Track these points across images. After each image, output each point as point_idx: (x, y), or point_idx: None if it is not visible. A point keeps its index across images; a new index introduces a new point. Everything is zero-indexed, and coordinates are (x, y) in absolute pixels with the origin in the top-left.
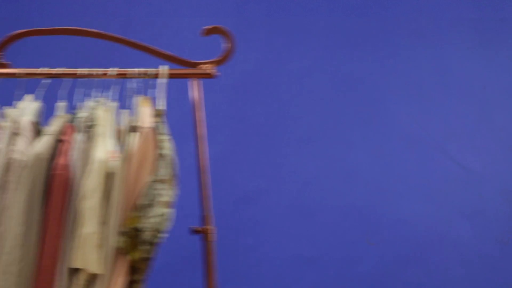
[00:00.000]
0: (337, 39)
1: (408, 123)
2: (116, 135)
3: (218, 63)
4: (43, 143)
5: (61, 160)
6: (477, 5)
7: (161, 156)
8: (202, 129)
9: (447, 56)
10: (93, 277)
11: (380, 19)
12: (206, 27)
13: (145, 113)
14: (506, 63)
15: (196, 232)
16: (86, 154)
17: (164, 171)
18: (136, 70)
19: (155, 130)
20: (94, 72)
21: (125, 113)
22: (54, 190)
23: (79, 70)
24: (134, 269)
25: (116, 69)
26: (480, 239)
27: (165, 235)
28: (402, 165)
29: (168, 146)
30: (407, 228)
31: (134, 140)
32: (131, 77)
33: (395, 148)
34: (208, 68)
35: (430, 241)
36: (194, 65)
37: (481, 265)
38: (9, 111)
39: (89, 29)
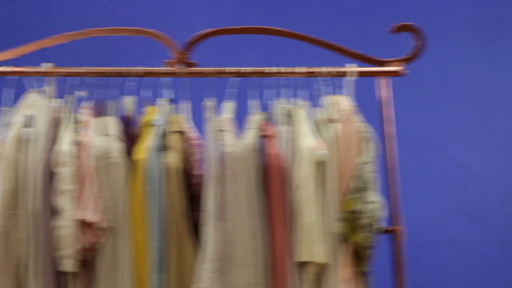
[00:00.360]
0: (337, 39)
1: (408, 123)
2: (314, 128)
3: (406, 61)
4: (251, 136)
5: (272, 151)
6: (477, 5)
7: (365, 138)
8: (391, 128)
9: (447, 56)
10: (321, 268)
11: (380, 19)
12: (396, 24)
13: (340, 101)
14: (506, 63)
15: (385, 232)
16: (293, 144)
17: (370, 154)
18: (324, 68)
19: (354, 114)
20: (283, 71)
21: (316, 109)
22: (271, 180)
23: (267, 69)
24: (359, 259)
25: (304, 67)
26: (480, 239)
27: (381, 223)
28: (402, 165)
29: (369, 130)
30: (407, 228)
31: (335, 128)
32: (319, 76)
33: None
34: (396, 66)
35: (430, 241)
36: (381, 63)
37: (481, 265)
38: (208, 104)
39: (277, 28)
